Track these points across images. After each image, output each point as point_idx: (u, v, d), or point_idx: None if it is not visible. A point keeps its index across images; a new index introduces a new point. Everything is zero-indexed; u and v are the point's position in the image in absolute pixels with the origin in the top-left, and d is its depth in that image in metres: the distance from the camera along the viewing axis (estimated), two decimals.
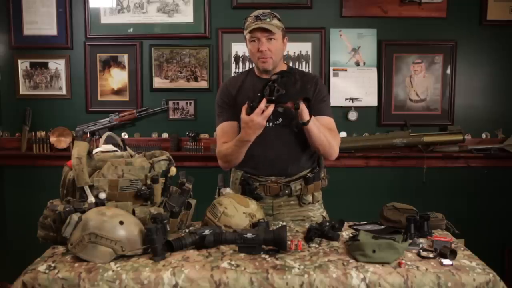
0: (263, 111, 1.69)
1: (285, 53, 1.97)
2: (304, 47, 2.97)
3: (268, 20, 1.83)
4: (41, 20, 2.99)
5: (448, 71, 3.01)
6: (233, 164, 1.93)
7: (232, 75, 2.94)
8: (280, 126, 1.90)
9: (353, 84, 2.98)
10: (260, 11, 1.86)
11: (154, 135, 3.05)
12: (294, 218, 1.93)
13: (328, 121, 1.93)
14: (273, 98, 1.67)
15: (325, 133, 1.84)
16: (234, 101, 1.95)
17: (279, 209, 1.95)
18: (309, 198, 1.96)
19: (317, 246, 1.53)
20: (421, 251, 1.46)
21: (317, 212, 1.99)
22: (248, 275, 1.30)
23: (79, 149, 1.53)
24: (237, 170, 1.96)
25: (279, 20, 1.87)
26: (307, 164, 1.96)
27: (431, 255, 1.42)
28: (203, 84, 3.01)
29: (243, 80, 1.99)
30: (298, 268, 1.33)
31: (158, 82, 3.02)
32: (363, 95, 2.99)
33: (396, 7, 2.96)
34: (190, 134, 2.94)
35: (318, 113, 1.89)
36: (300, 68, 2.90)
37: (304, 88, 1.81)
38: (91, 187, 1.52)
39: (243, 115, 1.73)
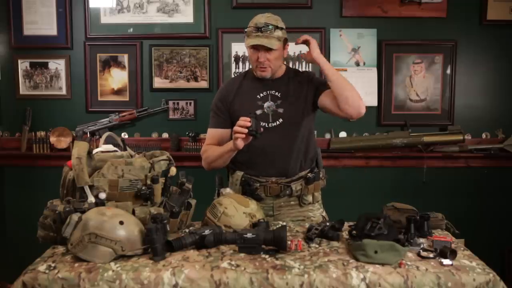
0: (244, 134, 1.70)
1: (285, 55, 1.96)
2: (304, 47, 2.91)
3: (269, 31, 1.80)
4: (41, 20, 2.98)
5: (448, 71, 3.01)
6: (214, 166, 1.93)
7: (232, 75, 2.94)
8: (279, 126, 1.90)
9: (353, 84, 2.97)
10: (263, 20, 1.82)
11: (154, 135, 3.05)
12: (294, 218, 1.93)
13: None
14: (256, 133, 1.69)
15: (343, 77, 1.80)
16: (229, 106, 1.95)
17: (279, 209, 1.95)
18: (309, 198, 1.97)
19: (317, 246, 1.53)
20: (421, 251, 1.46)
21: (317, 212, 2.00)
22: (248, 275, 1.30)
23: (79, 149, 1.53)
24: (237, 171, 1.96)
25: (281, 29, 1.85)
26: (307, 164, 1.97)
27: (431, 255, 1.42)
28: (203, 84, 3.01)
29: (240, 83, 1.98)
30: (298, 268, 1.33)
31: (158, 82, 3.02)
32: (363, 95, 2.90)
33: (396, 7, 2.96)
34: (190, 134, 2.94)
35: (327, 84, 1.87)
36: (300, 69, 2.90)
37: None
38: (91, 187, 1.52)
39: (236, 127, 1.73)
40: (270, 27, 1.81)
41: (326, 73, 1.83)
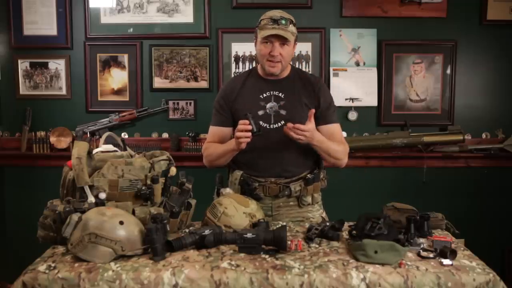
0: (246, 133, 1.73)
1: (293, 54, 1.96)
2: (304, 47, 2.97)
3: (285, 25, 1.81)
4: (41, 20, 2.99)
5: (448, 71, 3.01)
6: (215, 165, 1.94)
7: (232, 75, 2.93)
8: (281, 127, 1.89)
9: (353, 84, 2.98)
10: (278, 14, 1.83)
11: (154, 135, 3.05)
12: (293, 219, 1.93)
13: (337, 130, 1.96)
14: (259, 132, 1.74)
15: (332, 149, 1.87)
16: (231, 105, 1.95)
17: (278, 210, 1.95)
18: (309, 199, 1.96)
19: (317, 246, 1.53)
20: (421, 251, 1.46)
21: (317, 214, 1.99)
22: (248, 275, 1.30)
23: (79, 149, 1.53)
24: (236, 170, 1.95)
25: (294, 25, 1.86)
26: (307, 165, 1.96)
27: (431, 255, 1.42)
28: (203, 84, 3.01)
29: (244, 81, 1.97)
30: (298, 268, 1.33)
31: (158, 82, 3.02)
32: (363, 95, 2.99)
33: (396, 7, 2.96)
34: (190, 134, 2.95)
35: (326, 120, 1.92)
36: (300, 68, 2.90)
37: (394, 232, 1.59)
38: (91, 187, 1.52)
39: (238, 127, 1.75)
40: (284, 21, 1.81)
41: (318, 152, 1.87)
